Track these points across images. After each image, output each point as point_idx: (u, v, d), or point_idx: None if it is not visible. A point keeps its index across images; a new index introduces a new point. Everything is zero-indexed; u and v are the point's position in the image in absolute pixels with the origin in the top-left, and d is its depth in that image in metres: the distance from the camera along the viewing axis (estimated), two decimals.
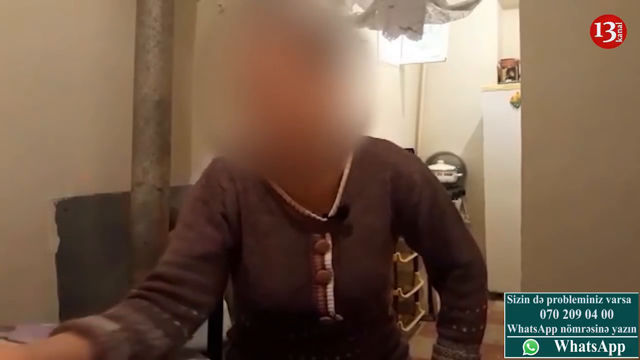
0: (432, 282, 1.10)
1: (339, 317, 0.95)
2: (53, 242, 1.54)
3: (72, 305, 1.54)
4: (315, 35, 0.77)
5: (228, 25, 0.82)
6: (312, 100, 0.76)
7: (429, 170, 1.08)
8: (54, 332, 0.76)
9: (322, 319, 0.95)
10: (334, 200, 0.95)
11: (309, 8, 0.80)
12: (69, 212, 1.57)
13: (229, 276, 0.98)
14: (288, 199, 0.95)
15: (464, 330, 1.01)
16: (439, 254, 1.03)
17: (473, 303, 1.03)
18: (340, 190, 0.96)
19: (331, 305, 0.94)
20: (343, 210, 0.95)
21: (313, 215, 0.94)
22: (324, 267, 0.94)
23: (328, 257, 0.94)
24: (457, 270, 1.03)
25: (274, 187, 0.95)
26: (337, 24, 0.82)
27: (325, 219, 0.94)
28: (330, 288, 0.94)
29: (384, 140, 1.02)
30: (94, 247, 1.64)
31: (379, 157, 0.99)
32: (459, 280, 1.03)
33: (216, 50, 0.80)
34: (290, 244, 0.95)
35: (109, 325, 0.77)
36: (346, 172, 0.97)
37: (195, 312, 0.89)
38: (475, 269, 1.05)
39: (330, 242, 0.95)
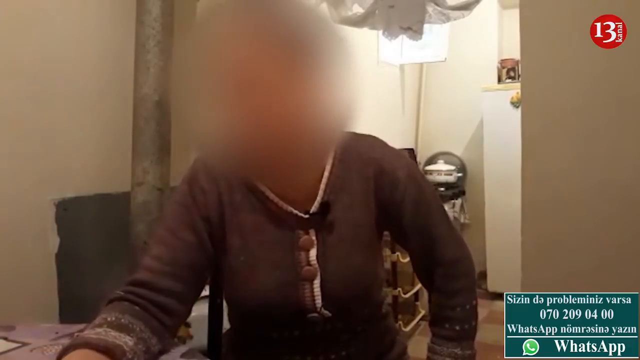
0: (421, 281, 1.09)
1: (327, 313, 0.94)
2: (53, 242, 1.54)
3: (72, 305, 1.54)
4: (295, 33, 0.76)
5: (207, 23, 0.81)
6: (293, 98, 0.75)
7: (416, 167, 1.06)
8: (67, 350, 0.75)
9: (309, 315, 0.95)
10: (316, 197, 0.95)
11: (288, 6, 0.80)
12: (69, 212, 1.57)
13: (206, 284, 0.99)
14: (271, 196, 0.94)
15: (457, 328, 1.01)
16: (424, 251, 1.02)
17: (462, 300, 1.02)
18: (322, 186, 0.95)
19: (318, 301, 0.94)
20: (325, 207, 0.94)
21: (295, 212, 0.93)
22: (309, 264, 0.94)
23: (313, 253, 0.94)
24: (442, 268, 1.02)
25: (257, 184, 0.94)
26: (316, 21, 0.81)
27: (307, 216, 0.94)
28: (316, 284, 0.94)
29: (370, 136, 1.01)
30: (94, 247, 1.64)
31: (362, 153, 0.97)
32: (446, 278, 1.02)
33: (195, 48, 0.79)
34: (275, 241, 0.94)
35: (128, 340, 0.78)
36: (328, 168, 0.96)
37: (176, 321, 0.91)
38: (462, 266, 1.03)
39: (314, 238, 0.94)
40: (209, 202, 0.93)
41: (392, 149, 1.03)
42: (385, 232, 1.05)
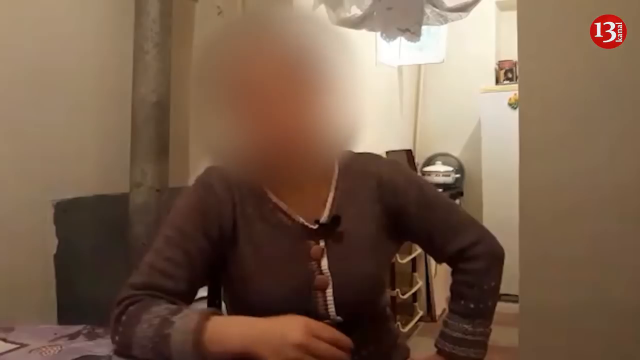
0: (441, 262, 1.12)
1: (339, 319, 0.96)
2: (52, 243, 1.54)
3: (70, 306, 1.54)
4: (309, 50, 0.84)
5: (223, 39, 0.88)
6: (305, 111, 0.83)
7: (411, 171, 1.14)
8: (207, 316, 0.84)
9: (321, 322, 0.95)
10: (325, 208, 0.99)
11: (302, 22, 0.88)
12: (67, 213, 1.57)
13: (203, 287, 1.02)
14: (283, 206, 0.97)
15: (472, 306, 1.03)
16: (441, 244, 1.05)
17: (480, 280, 1.04)
18: (330, 199, 0.99)
19: (332, 309, 0.95)
20: (335, 219, 0.97)
21: (306, 223, 0.96)
22: (321, 273, 0.95)
23: (324, 262, 0.96)
24: (462, 252, 1.04)
25: (269, 195, 0.98)
26: (329, 38, 0.88)
27: (317, 226, 0.96)
28: (329, 292, 0.95)
29: (367, 153, 1.07)
30: (93, 248, 1.64)
31: (363, 167, 1.03)
32: (464, 260, 1.05)
33: (212, 62, 0.87)
34: (287, 251, 0.96)
35: None
36: (333, 182, 1.01)
37: None
38: (480, 247, 1.05)
39: (324, 247, 0.96)
40: (223, 211, 0.95)
41: (388, 160, 1.11)
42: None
